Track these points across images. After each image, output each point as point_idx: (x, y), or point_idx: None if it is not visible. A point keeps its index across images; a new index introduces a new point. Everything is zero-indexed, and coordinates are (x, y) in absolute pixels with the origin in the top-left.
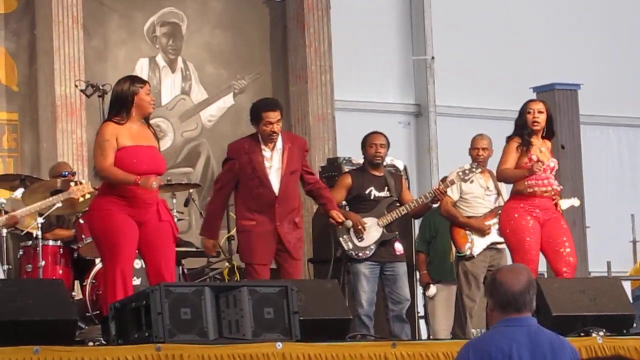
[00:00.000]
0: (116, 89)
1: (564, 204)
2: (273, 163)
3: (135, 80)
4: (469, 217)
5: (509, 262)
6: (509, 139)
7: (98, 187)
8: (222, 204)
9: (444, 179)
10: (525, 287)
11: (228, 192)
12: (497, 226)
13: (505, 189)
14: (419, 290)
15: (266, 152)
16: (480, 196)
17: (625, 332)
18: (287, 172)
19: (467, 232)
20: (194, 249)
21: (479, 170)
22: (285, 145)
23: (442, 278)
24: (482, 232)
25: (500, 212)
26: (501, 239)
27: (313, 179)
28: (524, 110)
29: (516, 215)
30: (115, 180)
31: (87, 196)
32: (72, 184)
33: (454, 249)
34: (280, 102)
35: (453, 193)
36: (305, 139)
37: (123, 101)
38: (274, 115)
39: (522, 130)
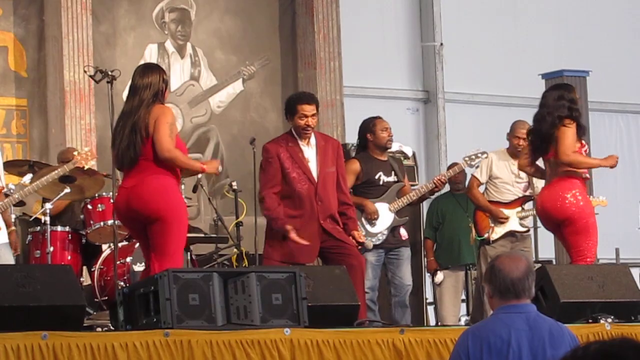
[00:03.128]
0: (156, 77)
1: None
2: (310, 155)
3: (161, 69)
4: (494, 201)
5: (531, 250)
6: (561, 121)
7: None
8: (277, 202)
9: (452, 166)
10: (523, 274)
11: (278, 190)
12: (521, 214)
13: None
14: (427, 276)
15: (303, 144)
16: (509, 182)
17: (633, 318)
18: (323, 168)
19: (489, 217)
20: (203, 235)
21: (485, 156)
22: (319, 143)
23: (449, 264)
24: (497, 219)
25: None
26: (522, 229)
27: (344, 196)
28: (567, 96)
29: (582, 196)
30: (182, 164)
31: (92, 162)
32: (75, 153)
33: (474, 231)
34: (316, 97)
35: (481, 175)
36: (339, 141)
37: (163, 89)
38: (309, 109)
39: (575, 112)
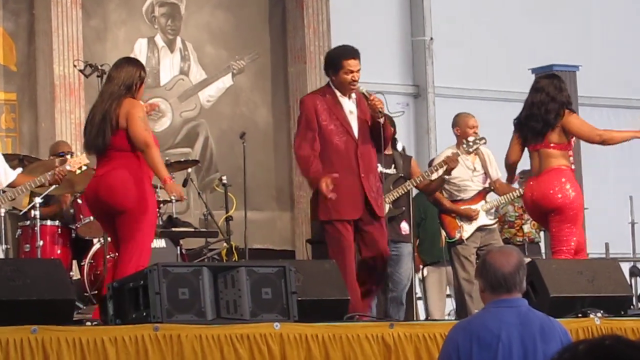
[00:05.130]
0: (132, 71)
1: None
2: (352, 109)
3: (140, 64)
4: (458, 200)
5: (500, 242)
6: (562, 115)
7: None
8: (312, 149)
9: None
10: (515, 268)
11: (314, 145)
12: (486, 208)
13: (496, 169)
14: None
15: (343, 99)
16: (468, 178)
17: (623, 313)
18: (363, 120)
19: (456, 217)
20: (193, 229)
21: (483, 141)
22: (359, 98)
23: (433, 260)
24: (470, 218)
25: (519, 186)
26: (490, 222)
27: None
28: (565, 87)
29: (573, 187)
30: (153, 162)
31: (84, 168)
32: (69, 156)
33: (443, 234)
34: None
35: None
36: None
37: (138, 84)
38: (354, 63)
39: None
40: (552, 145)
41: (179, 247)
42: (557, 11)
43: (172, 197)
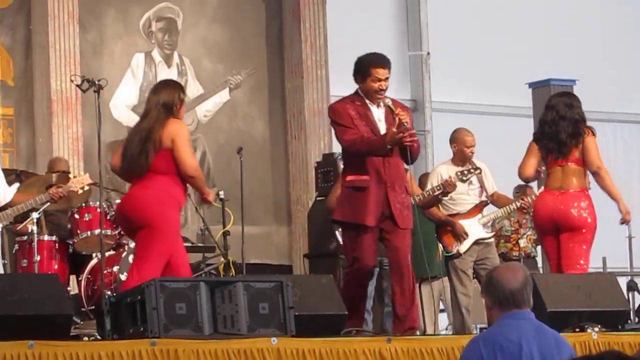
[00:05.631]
0: (170, 93)
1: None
2: (380, 117)
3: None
4: (455, 214)
5: (496, 256)
6: (585, 131)
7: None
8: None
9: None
10: (522, 284)
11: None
12: (483, 221)
13: (492, 184)
14: None
15: (372, 106)
16: (464, 192)
17: (620, 327)
18: (390, 128)
19: (453, 234)
20: (190, 244)
21: (478, 172)
22: (383, 103)
23: (421, 275)
24: (460, 237)
25: (523, 203)
26: (487, 235)
27: None
28: (576, 104)
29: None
30: (197, 186)
31: (86, 188)
32: (71, 176)
33: (440, 247)
34: (389, 60)
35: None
36: (407, 107)
37: (178, 105)
38: (383, 72)
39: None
40: (578, 161)
41: None
42: (555, 25)
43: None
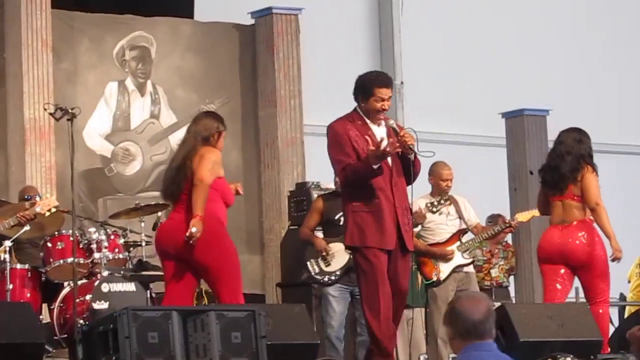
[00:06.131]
0: (209, 123)
1: (525, 216)
2: (382, 135)
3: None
4: (434, 244)
5: (477, 287)
6: (585, 167)
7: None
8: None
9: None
10: (485, 315)
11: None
12: (462, 249)
13: (474, 216)
14: None
15: (373, 125)
16: (443, 222)
17: (592, 357)
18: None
19: (432, 258)
20: (163, 273)
21: (448, 202)
22: (386, 124)
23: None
24: (445, 258)
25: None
26: (466, 260)
27: None
28: (585, 140)
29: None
30: (199, 199)
31: (53, 210)
32: (38, 198)
33: (419, 277)
34: (392, 79)
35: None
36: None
37: (216, 136)
38: (386, 92)
39: (592, 160)
40: (575, 197)
41: (148, 291)
42: (528, 55)
43: (191, 231)
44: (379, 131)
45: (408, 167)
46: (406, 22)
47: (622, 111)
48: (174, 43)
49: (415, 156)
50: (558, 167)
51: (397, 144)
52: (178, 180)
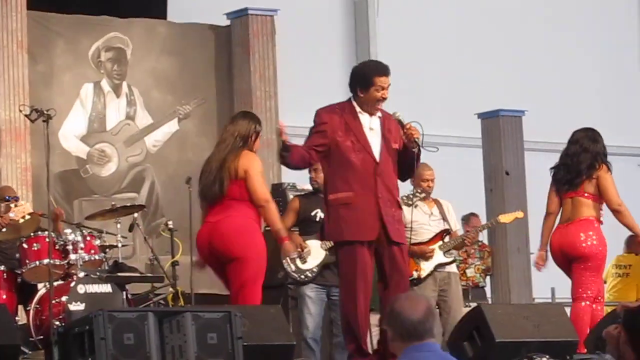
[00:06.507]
0: (247, 124)
1: (507, 217)
2: (373, 126)
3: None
4: (417, 243)
5: (459, 287)
6: (600, 166)
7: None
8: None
9: None
10: (424, 315)
11: (316, 153)
12: (445, 247)
13: (455, 222)
14: None
15: (364, 115)
16: (425, 222)
17: (568, 358)
18: (388, 141)
19: (414, 257)
20: (138, 274)
21: (423, 195)
22: (384, 115)
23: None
24: (425, 256)
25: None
26: (447, 259)
27: None
28: (599, 139)
29: (599, 238)
30: (269, 218)
31: (27, 217)
32: (13, 205)
33: None
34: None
35: None
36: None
37: (254, 137)
38: (386, 81)
39: (606, 157)
40: (586, 194)
41: (124, 292)
42: (503, 56)
43: (292, 255)
44: (370, 121)
45: (411, 161)
46: (382, 24)
47: (598, 112)
48: (150, 44)
49: (419, 151)
50: (575, 164)
51: (403, 137)
52: (221, 180)
